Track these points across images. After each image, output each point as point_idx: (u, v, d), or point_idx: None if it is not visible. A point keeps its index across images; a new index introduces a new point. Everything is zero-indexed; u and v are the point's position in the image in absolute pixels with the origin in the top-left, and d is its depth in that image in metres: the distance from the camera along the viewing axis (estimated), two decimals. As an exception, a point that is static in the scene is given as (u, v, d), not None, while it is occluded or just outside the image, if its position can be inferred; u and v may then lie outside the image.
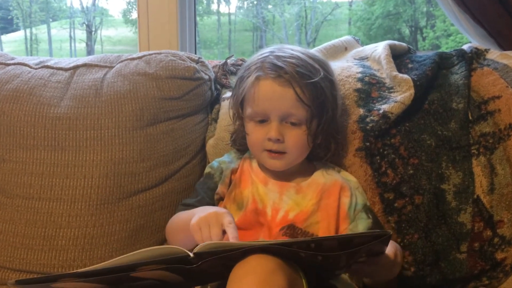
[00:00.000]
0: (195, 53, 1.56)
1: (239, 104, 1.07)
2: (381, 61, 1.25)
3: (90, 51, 4.49)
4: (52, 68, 1.27)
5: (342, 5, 4.24)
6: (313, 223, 1.02)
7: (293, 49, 1.04)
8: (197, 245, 0.74)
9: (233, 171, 1.09)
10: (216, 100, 1.33)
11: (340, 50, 1.37)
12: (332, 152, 1.09)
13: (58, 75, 1.25)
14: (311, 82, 0.99)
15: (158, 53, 1.27)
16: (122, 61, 1.27)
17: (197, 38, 1.78)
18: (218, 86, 1.35)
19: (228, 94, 1.30)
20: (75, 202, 1.14)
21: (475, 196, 1.12)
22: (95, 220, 1.14)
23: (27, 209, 1.15)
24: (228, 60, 1.38)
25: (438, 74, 1.23)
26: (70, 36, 4.61)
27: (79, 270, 0.73)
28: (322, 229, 1.02)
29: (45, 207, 1.15)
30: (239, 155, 1.14)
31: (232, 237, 0.83)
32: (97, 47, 4.48)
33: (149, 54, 1.27)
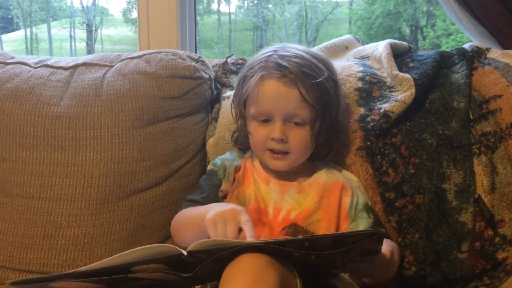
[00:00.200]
0: (195, 53, 1.56)
1: (242, 103, 1.06)
2: (382, 60, 1.24)
3: (90, 51, 4.49)
4: (51, 67, 1.27)
5: (342, 4, 4.24)
6: (314, 221, 1.01)
7: (297, 48, 1.03)
8: None
9: (237, 169, 1.09)
10: (216, 99, 1.33)
11: (341, 49, 1.37)
12: (334, 152, 1.09)
13: (58, 74, 1.25)
14: (315, 82, 0.98)
15: (158, 52, 1.27)
16: (122, 60, 1.27)
17: (197, 38, 1.77)
18: (219, 85, 1.35)
19: (228, 93, 1.30)
20: (75, 202, 1.14)
21: (476, 196, 1.11)
22: (95, 220, 1.14)
23: (27, 208, 1.15)
24: (229, 59, 1.37)
25: (439, 73, 1.22)
26: (70, 36, 4.61)
27: (76, 270, 0.73)
28: (323, 227, 1.01)
29: (45, 207, 1.14)
30: (241, 154, 1.13)
31: (249, 236, 0.82)
32: (97, 46, 4.48)
33: (149, 53, 1.27)
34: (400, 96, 1.15)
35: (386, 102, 1.16)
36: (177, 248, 0.73)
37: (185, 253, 0.73)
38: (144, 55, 1.27)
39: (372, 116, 1.15)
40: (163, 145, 1.20)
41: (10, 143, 1.17)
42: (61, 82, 1.23)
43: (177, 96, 1.22)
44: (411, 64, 1.26)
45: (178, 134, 1.22)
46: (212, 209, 0.89)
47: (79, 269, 0.73)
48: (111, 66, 1.26)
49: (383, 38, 1.33)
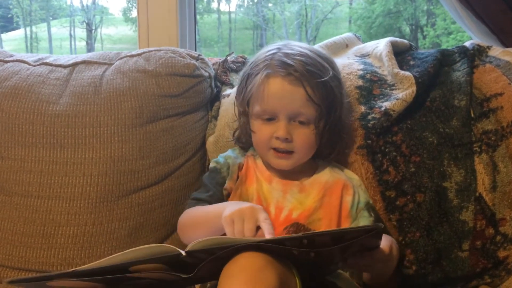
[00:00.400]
0: (195, 51, 1.55)
1: (246, 102, 1.05)
2: (382, 58, 1.24)
3: (90, 50, 4.48)
4: (51, 65, 1.26)
5: (342, 4, 4.24)
6: (315, 219, 1.01)
7: (301, 46, 1.03)
8: None
9: (240, 167, 1.08)
10: (216, 98, 1.32)
11: (341, 47, 1.37)
12: (337, 151, 1.09)
13: (57, 72, 1.24)
14: (321, 81, 0.98)
15: (157, 50, 1.26)
16: (121, 58, 1.26)
17: (197, 37, 1.77)
18: (218, 83, 1.34)
19: (228, 91, 1.30)
20: (74, 200, 1.14)
21: (477, 194, 1.11)
22: (94, 218, 1.14)
23: (26, 207, 1.15)
24: (228, 57, 1.37)
25: (440, 71, 1.22)
26: (70, 35, 4.61)
27: (74, 269, 0.73)
28: (324, 226, 1.01)
29: (44, 205, 1.14)
30: (243, 152, 1.13)
31: (268, 233, 0.82)
32: (97, 45, 4.48)
33: (149, 51, 1.27)
34: (401, 94, 1.15)
35: (386, 100, 1.16)
36: (176, 248, 0.73)
37: (183, 253, 0.72)
38: (143, 53, 1.26)
39: (373, 115, 1.14)
40: (162, 143, 1.20)
41: (9, 141, 1.16)
42: (60, 80, 1.22)
43: (176, 94, 1.21)
44: (412, 62, 1.25)
45: (177, 132, 1.22)
46: (229, 207, 0.89)
47: (77, 268, 0.73)
48: (111, 64, 1.25)
49: (383, 37, 1.33)
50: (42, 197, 1.14)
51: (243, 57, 1.38)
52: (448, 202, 1.11)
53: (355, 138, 1.14)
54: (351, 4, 4.32)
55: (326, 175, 1.06)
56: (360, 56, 1.30)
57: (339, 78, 1.05)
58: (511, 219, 1.09)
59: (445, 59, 1.25)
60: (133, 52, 1.28)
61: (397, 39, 1.31)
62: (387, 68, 1.22)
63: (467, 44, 1.29)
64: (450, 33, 3.75)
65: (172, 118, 1.22)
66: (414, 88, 1.15)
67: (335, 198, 1.04)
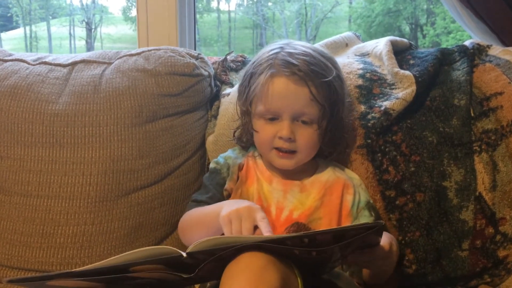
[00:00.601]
0: (195, 50, 1.55)
1: (249, 101, 1.05)
2: (382, 57, 1.24)
3: (90, 49, 4.47)
4: (50, 64, 1.26)
5: (342, 3, 4.23)
6: (316, 218, 1.01)
7: (303, 46, 1.02)
8: None
9: (240, 167, 1.07)
10: (215, 97, 1.32)
11: (341, 46, 1.36)
12: (338, 151, 1.08)
13: (56, 71, 1.24)
14: (325, 81, 0.98)
15: (157, 49, 1.26)
16: (120, 57, 1.26)
17: (197, 36, 1.77)
18: (218, 83, 1.34)
19: (228, 90, 1.29)
20: (73, 200, 1.14)
21: (477, 193, 1.11)
22: (94, 218, 1.14)
23: (25, 206, 1.14)
24: (228, 57, 1.37)
25: (440, 70, 1.22)
26: (70, 34, 4.60)
27: (74, 270, 0.72)
28: (324, 225, 1.01)
29: (43, 205, 1.14)
30: (243, 152, 1.12)
31: (266, 232, 0.83)
32: (97, 44, 4.47)
33: (148, 50, 1.26)
34: (401, 93, 1.15)
35: (386, 99, 1.16)
36: (177, 250, 0.73)
37: (184, 254, 0.72)
38: (143, 52, 1.26)
39: (373, 114, 1.14)
40: (162, 142, 1.20)
41: (8, 141, 1.16)
42: (59, 79, 1.22)
43: (176, 93, 1.21)
44: (411, 61, 1.25)
45: (177, 132, 1.22)
46: (227, 206, 0.89)
47: (77, 269, 0.73)
48: (110, 63, 1.25)
49: (383, 36, 1.32)
50: (42, 196, 1.14)
51: (243, 56, 1.38)
52: (448, 202, 1.11)
53: (355, 138, 1.14)
54: (351, 3, 4.32)
55: (326, 175, 1.06)
56: (360, 55, 1.30)
57: (342, 78, 1.05)
58: (511, 219, 1.09)
59: (445, 58, 1.24)
60: (133, 51, 1.28)
61: (397, 38, 1.31)
62: (387, 67, 1.21)
63: (467, 43, 1.29)
64: (450, 32, 3.75)
65: (171, 117, 1.22)
66: (414, 87, 1.15)
67: (336, 197, 1.04)
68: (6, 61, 1.27)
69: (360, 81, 1.19)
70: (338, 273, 0.95)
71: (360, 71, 1.22)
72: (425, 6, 4.07)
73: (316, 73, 0.97)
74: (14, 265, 1.14)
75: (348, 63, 1.25)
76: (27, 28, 4.60)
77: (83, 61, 1.27)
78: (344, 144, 1.10)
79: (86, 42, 4.52)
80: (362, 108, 1.16)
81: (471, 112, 1.16)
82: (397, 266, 1.04)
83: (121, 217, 1.15)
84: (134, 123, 1.17)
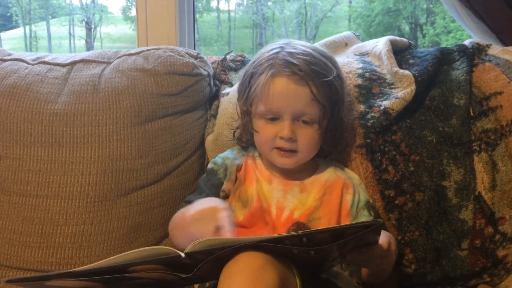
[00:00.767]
0: (194, 50, 1.55)
1: (250, 101, 1.04)
2: (381, 57, 1.24)
3: (89, 48, 4.46)
4: (49, 64, 1.26)
5: (342, 2, 4.23)
6: (315, 218, 1.01)
7: (303, 45, 1.02)
8: None
9: (238, 168, 1.07)
10: (215, 96, 1.32)
11: (340, 46, 1.36)
12: (338, 150, 1.08)
13: (55, 71, 1.24)
14: (326, 81, 0.98)
15: (156, 49, 1.26)
16: (120, 57, 1.26)
17: (197, 35, 1.76)
18: (217, 82, 1.34)
19: (227, 90, 1.29)
20: (72, 199, 1.14)
21: (477, 193, 1.11)
22: (93, 218, 1.14)
23: (24, 206, 1.14)
24: (227, 56, 1.36)
25: (439, 70, 1.22)
26: (70, 33, 4.60)
27: (73, 270, 0.72)
28: (324, 225, 1.01)
29: (42, 204, 1.14)
30: (242, 152, 1.12)
31: (225, 232, 0.82)
32: (96, 44, 4.47)
33: (147, 50, 1.26)
34: (400, 93, 1.15)
35: (386, 99, 1.16)
36: (175, 250, 0.73)
37: (183, 255, 0.72)
38: (142, 51, 1.26)
39: (372, 113, 1.14)
40: (161, 142, 1.19)
41: (7, 140, 1.16)
42: (58, 79, 1.22)
43: (175, 93, 1.21)
44: (411, 61, 1.25)
45: (176, 131, 1.22)
46: (194, 207, 0.89)
47: (76, 269, 0.73)
48: (109, 63, 1.25)
49: (382, 36, 1.32)
50: (41, 196, 1.14)
51: (242, 55, 1.38)
52: (448, 201, 1.11)
53: (354, 137, 1.14)
54: (350, 2, 4.31)
55: (326, 174, 1.06)
56: (360, 54, 1.30)
57: (342, 77, 1.05)
58: (511, 218, 1.09)
59: (444, 57, 1.24)
60: (132, 51, 1.28)
61: (397, 37, 1.31)
62: (387, 66, 1.21)
63: (467, 42, 1.29)
64: (449, 32, 3.74)
65: (170, 117, 1.21)
66: (413, 86, 1.14)
67: (335, 196, 1.03)
68: (5, 60, 1.27)
69: (359, 81, 1.19)
70: (337, 272, 0.95)
71: (360, 71, 1.22)
72: (424, 6, 4.06)
73: (317, 73, 0.97)
74: (13, 265, 1.14)
75: (348, 62, 1.25)
76: (27, 27, 4.59)
77: (82, 61, 1.27)
78: (344, 144, 1.10)
79: (86, 41, 4.52)
80: (362, 107, 1.16)
81: (471, 111, 1.16)
82: (397, 265, 1.04)
83: (120, 217, 1.15)
84: (133, 122, 1.17)
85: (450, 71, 1.21)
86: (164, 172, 1.20)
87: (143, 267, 0.73)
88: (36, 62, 1.27)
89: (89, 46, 4.45)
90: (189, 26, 1.65)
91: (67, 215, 1.13)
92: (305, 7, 4.19)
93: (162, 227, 1.19)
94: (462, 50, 1.25)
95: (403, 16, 4.06)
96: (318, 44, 1.32)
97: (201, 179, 1.11)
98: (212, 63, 1.34)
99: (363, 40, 1.41)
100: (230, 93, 1.26)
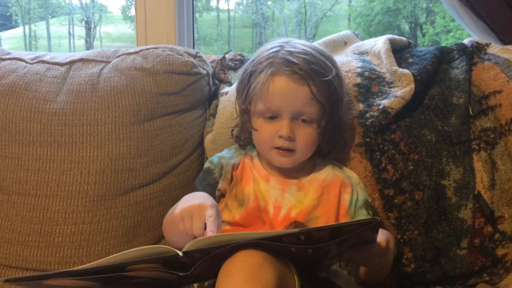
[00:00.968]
0: (194, 49, 1.55)
1: (249, 100, 1.04)
2: (381, 56, 1.24)
3: (89, 48, 4.46)
4: (48, 63, 1.26)
5: (341, 1, 4.23)
6: (313, 217, 1.01)
7: (303, 44, 1.02)
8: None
9: (234, 167, 1.07)
10: (214, 95, 1.32)
11: (340, 45, 1.36)
12: (337, 149, 1.08)
13: (54, 70, 1.24)
14: (325, 80, 0.98)
15: (155, 48, 1.26)
16: (119, 56, 1.26)
17: (196, 35, 1.76)
18: (216, 81, 1.34)
19: (226, 89, 1.29)
20: (71, 199, 1.13)
21: (476, 192, 1.11)
22: (92, 217, 1.13)
23: (23, 205, 1.14)
24: (227, 55, 1.36)
25: (438, 69, 1.22)
26: (69, 33, 4.59)
27: (71, 269, 0.72)
28: (321, 224, 1.00)
29: (41, 204, 1.14)
30: (239, 151, 1.12)
31: (210, 231, 0.82)
32: (96, 43, 4.46)
33: (146, 49, 1.26)
34: (400, 92, 1.15)
35: (385, 98, 1.16)
36: (173, 249, 0.73)
37: (180, 253, 0.72)
38: (141, 50, 1.26)
39: (371, 112, 1.14)
40: (160, 141, 1.19)
41: (6, 140, 1.16)
42: (57, 78, 1.22)
43: (174, 92, 1.21)
44: (410, 60, 1.25)
45: (175, 131, 1.22)
46: (181, 203, 0.89)
47: (74, 268, 0.73)
48: (108, 62, 1.25)
49: (382, 35, 1.32)
50: (40, 195, 1.14)
51: (241, 54, 1.38)
52: (447, 200, 1.11)
53: (354, 136, 1.13)
54: (350, 2, 4.31)
55: (324, 173, 1.06)
56: (359, 53, 1.30)
57: (341, 77, 1.05)
58: (510, 217, 1.09)
59: (443, 56, 1.24)
60: (131, 50, 1.28)
61: (396, 36, 1.31)
62: (386, 65, 1.21)
63: (466, 41, 1.29)
64: (449, 31, 3.74)
65: (170, 116, 1.21)
66: (412, 85, 1.14)
67: (333, 196, 1.03)
68: (4, 59, 1.27)
69: (358, 80, 1.19)
70: (336, 271, 0.95)
71: (359, 70, 1.21)
72: (424, 5, 4.06)
73: (317, 72, 0.97)
74: (12, 264, 1.14)
75: (347, 61, 1.25)
76: (26, 27, 4.59)
77: (81, 60, 1.26)
78: (343, 143, 1.10)
79: (86, 41, 4.51)
80: (361, 106, 1.16)
81: (470, 110, 1.16)
82: (396, 264, 1.04)
83: (119, 216, 1.15)
84: (132, 121, 1.17)
85: (450, 70, 1.21)
86: (163, 171, 1.20)
87: (141, 266, 0.73)
88: (35, 61, 1.27)
89: (88, 46, 4.45)
90: (188, 26, 1.65)
91: (66, 214, 1.13)
92: (305, 6, 4.19)
93: (161, 226, 1.19)
94: (462, 49, 1.25)
95: (403, 16, 4.06)
96: (317, 43, 1.32)
97: (198, 179, 1.11)
98: (211, 62, 1.34)
99: (362, 39, 1.41)
100: (229, 92, 1.26)
